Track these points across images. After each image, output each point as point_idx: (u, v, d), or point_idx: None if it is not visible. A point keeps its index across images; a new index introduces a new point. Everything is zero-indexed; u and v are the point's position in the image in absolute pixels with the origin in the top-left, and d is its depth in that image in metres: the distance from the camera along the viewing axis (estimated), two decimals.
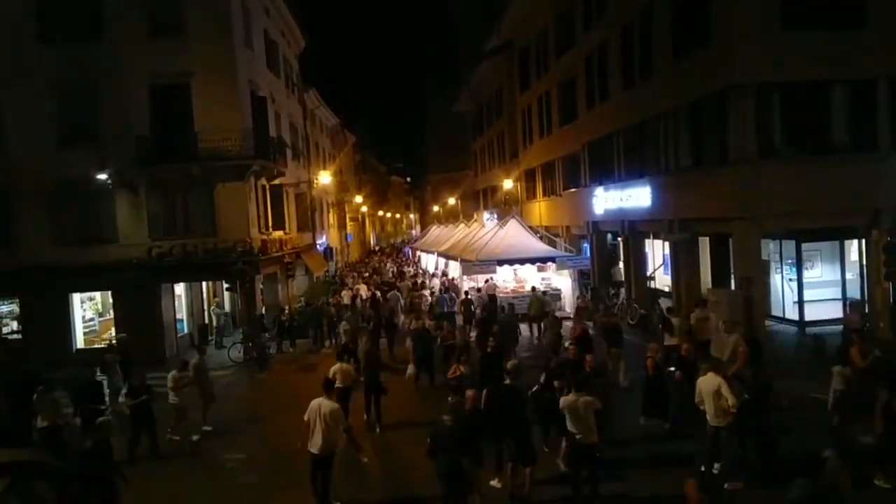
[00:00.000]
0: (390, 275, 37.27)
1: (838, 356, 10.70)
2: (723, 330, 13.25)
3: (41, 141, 21.14)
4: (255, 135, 22.20)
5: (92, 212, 21.55)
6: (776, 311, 18.15)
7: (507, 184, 37.04)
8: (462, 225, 38.05)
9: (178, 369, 12.97)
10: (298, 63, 35.52)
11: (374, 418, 12.84)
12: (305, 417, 9.04)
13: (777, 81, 15.84)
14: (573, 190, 28.31)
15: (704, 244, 19.33)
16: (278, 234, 25.98)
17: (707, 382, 9.16)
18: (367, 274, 37.79)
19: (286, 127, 29.74)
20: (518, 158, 37.67)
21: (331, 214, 45.63)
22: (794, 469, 6.33)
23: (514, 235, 25.81)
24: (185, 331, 23.34)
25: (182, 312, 23.42)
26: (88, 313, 22.63)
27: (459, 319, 20.56)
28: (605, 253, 26.76)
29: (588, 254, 27.10)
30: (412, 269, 39.87)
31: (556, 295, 24.01)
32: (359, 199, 58.41)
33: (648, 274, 23.05)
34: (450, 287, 25.49)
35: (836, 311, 16.98)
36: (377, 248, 75.39)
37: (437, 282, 29.60)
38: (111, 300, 22.06)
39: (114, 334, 21.06)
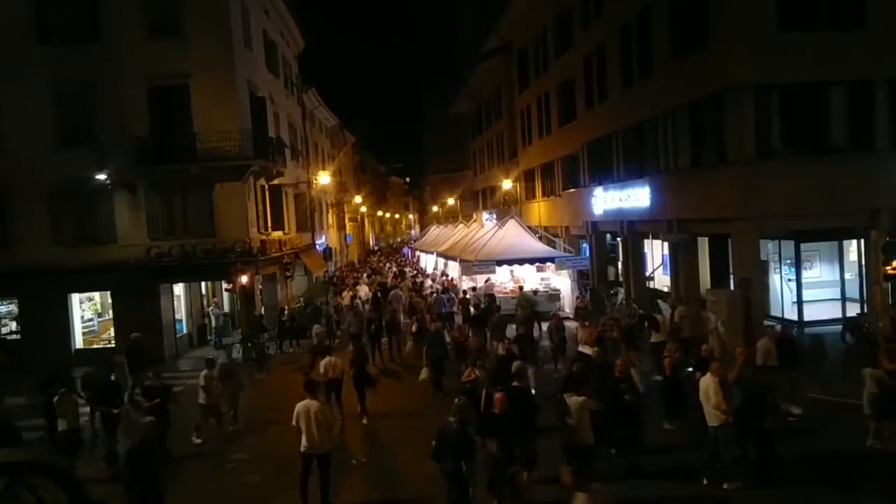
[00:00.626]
0: (390, 275, 37.21)
1: (867, 359, 10.61)
2: (721, 330, 13.26)
3: (40, 141, 21.14)
4: (254, 135, 22.20)
5: (91, 212, 21.58)
6: (775, 312, 18.12)
7: (507, 184, 37.04)
8: (461, 225, 38.07)
9: (209, 368, 12.98)
10: (298, 63, 35.54)
11: (364, 409, 13.34)
12: (294, 423, 9.16)
13: (775, 82, 15.87)
14: (572, 190, 28.32)
15: (703, 244, 19.31)
16: (277, 234, 25.97)
17: (702, 383, 9.19)
18: (366, 274, 37.75)
19: (285, 127, 29.73)
20: (517, 159, 37.68)
21: (330, 215, 45.61)
22: (795, 469, 6.31)
23: (513, 236, 25.80)
24: (184, 331, 23.35)
25: (181, 313, 23.42)
26: (87, 314, 22.63)
27: (458, 319, 20.52)
28: (604, 253, 26.77)
29: (587, 254, 27.12)
30: (412, 270, 39.83)
31: (556, 295, 24.04)
32: (358, 199, 58.32)
33: (647, 274, 23.08)
34: (449, 287, 25.49)
35: (835, 311, 16.98)
36: (376, 249, 75.31)
37: (429, 282, 29.57)
38: (110, 300, 22.06)
39: (113, 335, 21.07)
